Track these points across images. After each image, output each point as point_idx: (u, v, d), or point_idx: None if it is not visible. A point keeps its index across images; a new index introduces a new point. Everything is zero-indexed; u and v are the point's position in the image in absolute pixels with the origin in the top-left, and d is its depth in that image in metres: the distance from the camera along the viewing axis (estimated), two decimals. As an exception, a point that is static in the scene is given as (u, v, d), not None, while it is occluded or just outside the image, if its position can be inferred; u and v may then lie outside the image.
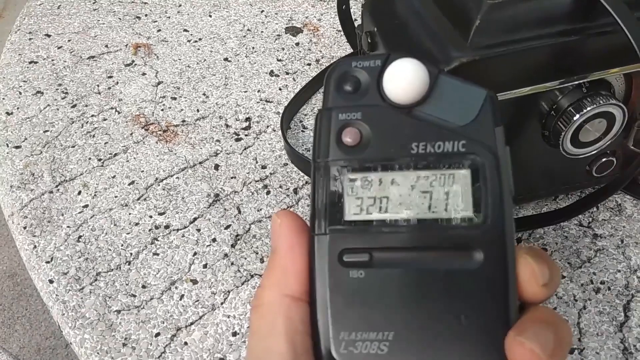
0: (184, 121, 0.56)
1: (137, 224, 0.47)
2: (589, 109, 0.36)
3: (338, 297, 0.23)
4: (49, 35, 0.67)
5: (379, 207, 0.23)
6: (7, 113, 0.57)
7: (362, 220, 0.23)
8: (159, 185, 0.50)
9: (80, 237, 0.47)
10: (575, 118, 0.37)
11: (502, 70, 0.36)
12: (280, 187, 0.50)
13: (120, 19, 0.69)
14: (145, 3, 0.71)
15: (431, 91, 0.23)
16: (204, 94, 0.58)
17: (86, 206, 0.49)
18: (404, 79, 0.23)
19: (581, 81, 0.37)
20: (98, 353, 0.39)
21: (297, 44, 0.64)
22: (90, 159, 0.53)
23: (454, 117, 0.23)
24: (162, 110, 0.57)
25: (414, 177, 0.23)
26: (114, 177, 0.51)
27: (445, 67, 0.34)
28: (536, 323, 0.22)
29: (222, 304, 0.42)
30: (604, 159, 0.42)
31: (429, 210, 0.23)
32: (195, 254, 0.45)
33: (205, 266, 0.44)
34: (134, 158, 0.53)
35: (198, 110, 0.57)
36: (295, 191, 0.49)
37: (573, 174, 0.43)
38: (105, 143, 0.54)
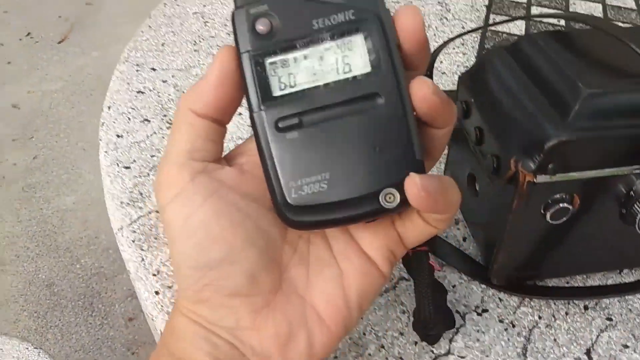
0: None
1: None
2: (665, 195, 0.40)
3: (281, 156, 0.29)
4: (154, 69, 0.73)
5: (299, 79, 0.29)
6: (118, 135, 0.63)
7: (287, 93, 0.29)
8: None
9: (180, 255, 0.51)
10: (651, 202, 0.41)
11: (593, 152, 0.40)
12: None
13: (218, 61, 0.75)
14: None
15: None
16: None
17: (186, 228, 0.53)
18: None
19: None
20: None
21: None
22: (190, 185, 0.58)
23: None
24: (255, 148, 0.62)
25: (320, 49, 0.29)
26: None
27: (545, 144, 0.39)
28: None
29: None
30: (674, 240, 0.45)
31: (337, 73, 0.29)
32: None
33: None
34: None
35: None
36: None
37: (641, 252, 0.47)
38: (203, 173, 0.59)
